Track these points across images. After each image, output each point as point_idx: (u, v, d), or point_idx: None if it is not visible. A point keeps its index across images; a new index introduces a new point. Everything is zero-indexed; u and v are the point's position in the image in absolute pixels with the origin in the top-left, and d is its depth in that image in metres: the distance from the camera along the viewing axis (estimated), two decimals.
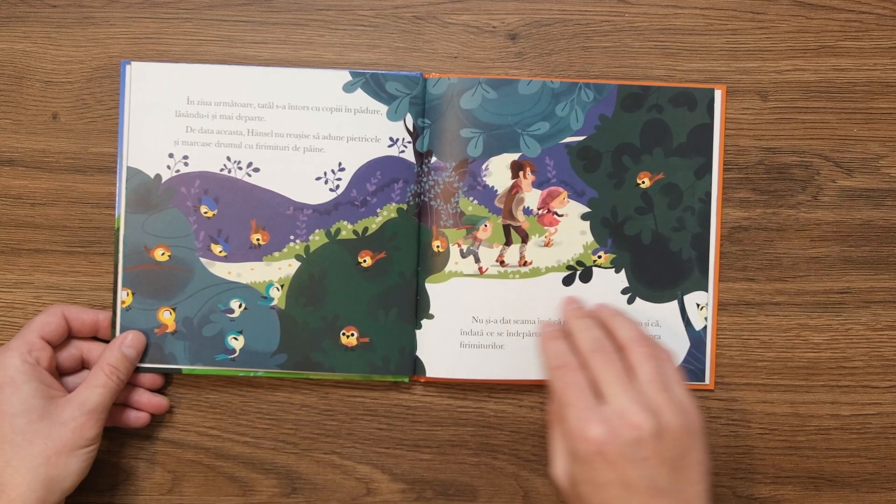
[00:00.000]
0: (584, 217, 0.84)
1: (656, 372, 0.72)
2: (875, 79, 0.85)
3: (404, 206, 0.84)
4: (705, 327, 0.84)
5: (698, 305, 0.84)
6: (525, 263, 0.84)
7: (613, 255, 0.84)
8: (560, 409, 0.73)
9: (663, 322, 0.84)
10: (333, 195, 0.84)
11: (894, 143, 0.85)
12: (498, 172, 0.84)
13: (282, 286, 0.84)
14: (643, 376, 0.72)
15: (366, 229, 0.84)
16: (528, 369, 0.84)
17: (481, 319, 0.84)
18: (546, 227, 0.84)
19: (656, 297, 0.84)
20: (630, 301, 0.84)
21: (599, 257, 0.84)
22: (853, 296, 0.85)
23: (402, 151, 0.84)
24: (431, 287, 0.84)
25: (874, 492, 0.85)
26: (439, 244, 0.84)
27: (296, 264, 0.84)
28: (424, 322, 0.84)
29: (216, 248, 0.83)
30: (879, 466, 0.85)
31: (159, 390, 0.84)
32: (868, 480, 0.85)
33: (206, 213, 0.83)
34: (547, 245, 0.84)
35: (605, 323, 0.78)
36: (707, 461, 0.71)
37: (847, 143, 0.85)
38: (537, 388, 0.85)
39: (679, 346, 0.84)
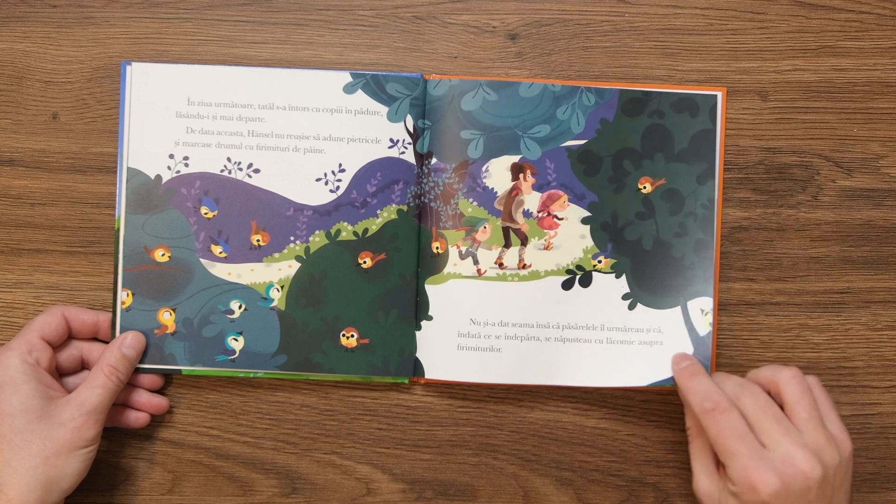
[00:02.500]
0: (584, 221, 0.84)
1: (812, 407, 0.73)
2: (875, 79, 0.85)
3: (404, 208, 0.84)
4: (709, 332, 0.84)
5: (702, 311, 0.84)
6: (524, 266, 0.84)
7: (614, 260, 0.84)
8: (724, 457, 0.73)
9: (665, 328, 0.84)
10: (334, 196, 0.84)
11: (894, 143, 0.85)
12: (498, 174, 0.84)
13: (282, 287, 0.84)
14: (800, 414, 0.73)
15: (366, 230, 0.84)
16: (525, 373, 0.84)
17: (479, 322, 0.84)
18: (545, 231, 0.84)
19: (658, 302, 0.84)
20: (631, 307, 0.84)
21: (599, 262, 0.84)
22: (853, 296, 0.85)
23: (403, 153, 0.83)
24: (431, 288, 0.84)
25: (874, 492, 0.85)
26: (438, 245, 0.84)
27: (296, 265, 0.84)
28: (424, 323, 0.84)
29: (216, 249, 0.83)
30: (879, 466, 0.85)
31: (159, 391, 0.84)
32: (868, 480, 0.85)
33: (206, 213, 0.83)
34: (546, 248, 0.84)
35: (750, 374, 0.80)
36: (850, 484, 0.74)
37: (847, 143, 0.85)
38: (536, 391, 0.85)
39: (682, 351, 0.84)
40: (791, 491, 0.69)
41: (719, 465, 0.76)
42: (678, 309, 0.84)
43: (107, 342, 0.82)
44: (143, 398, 0.83)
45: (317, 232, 0.84)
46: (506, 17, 0.85)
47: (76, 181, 0.84)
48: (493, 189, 0.84)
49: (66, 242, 0.84)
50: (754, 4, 0.85)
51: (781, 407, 0.74)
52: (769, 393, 0.76)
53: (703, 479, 0.77)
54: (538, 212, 0.84)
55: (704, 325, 0.84)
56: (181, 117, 0.83)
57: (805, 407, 0.73)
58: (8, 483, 0.73)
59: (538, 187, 0.84)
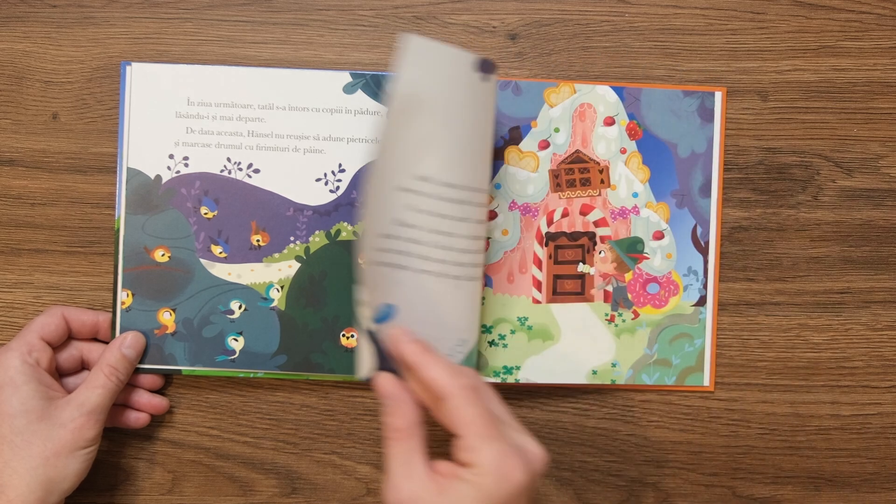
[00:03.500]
0: None
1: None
2: (875, 79, 0.85)
3: None
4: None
5: None
6: None
7: None
8: (475, 438, 0.66)
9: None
10: (334, 196, 0.84)
11: (894, 143, 0.85)
12: None
13: (282, 287, 0.84)
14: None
15: None
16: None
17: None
18: None
19: None
20: None
21: None
22: (853, 296, 0.85)
23: None
24: None
25: (874, 492, 0.86)
26: None
27: (296, 265, 0.84)
28: None
29: (216, 250, 0.83)
30: (879, 466, 0.85)
31: (159, 391, 0.84)
32: (868, 480, 0.86)
33: (206, 214, 0.83)
34: None
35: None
36: None
37: (847, 143, 0.85)
38: (536, 391, 0.85)
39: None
40: (535, 482, 0.66)
41: (429, 465, 0.68)
42: None
43: (107, 342, 0.82)
44: (143, 398, 0.83)
45: (317, 232, 0.84)
46: (506, 17, 0.85)
47: (76, 181, 0.84)
48: None
49: (66, 242, 0.84)
50: (754, 4, 0.85)
51: None
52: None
53: (412, 485, 0.66)
54: None
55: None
56: (181, 118, 0.83)
57: (500, 404, 0.70)
58: (8, 484, 0.73)
59: None
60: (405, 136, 0.73)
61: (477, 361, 0.83)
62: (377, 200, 0.73)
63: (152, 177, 0.83)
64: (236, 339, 0.83)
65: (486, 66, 0.75)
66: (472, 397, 0.67)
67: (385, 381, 0.71)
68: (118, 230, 0.83)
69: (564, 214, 0.84)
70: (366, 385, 0.85)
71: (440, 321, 0.77)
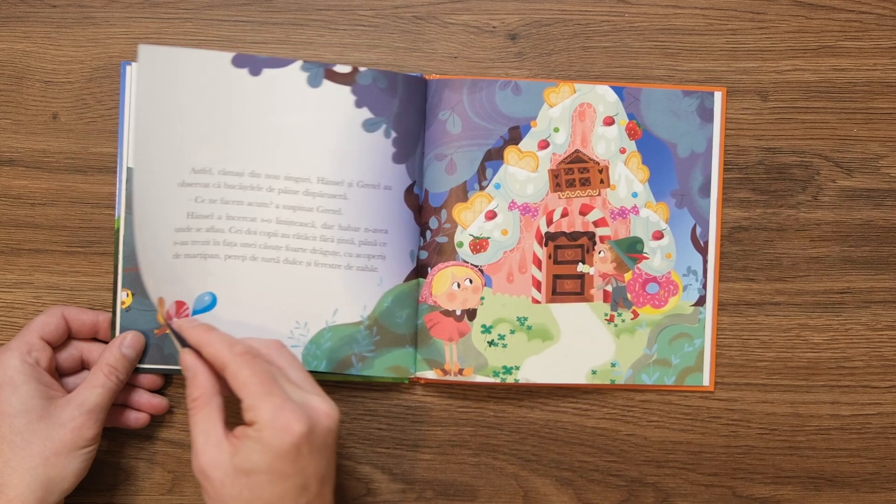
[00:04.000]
0: None
1: (305, 371, 0.76)
2: (875, 79, 0.85)
3: None
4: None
5: None
6: None
7: None
8: (253, 397, 0.70)
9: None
10: None
11: (894, 143, 0.85)
12: None
13: None
14: (295, 375, 0.75)
15: None
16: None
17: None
18: None
19: None
20: None
21: None
22: (853, 296, 0.85)
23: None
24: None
25: (874, 492, 0.85)
26: None
27: None
28: None
29: None
30: (879, 466, 0.85)
31: (159, 391, 0.84)
32: (868, 480, 0.86)
33: None
34: None
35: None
36: None
37: (847, 143, 0.85)
38: (536, 391, 0.85)
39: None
40: (317, 433, 0.69)
41: (227, 430, 0.71)
42: None
43: (106, 342, 0.82)
44: (143, 398, 0.83)
45: None
46: (506, 17, 0.85)
47: (76, 181, 0.84)
48: None
49: (66, 242, 0.84)
50: (754, 4, 0.85)
51: None
52: None
53: (211, 449, 0.70)
54: None
55: None
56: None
57: (299, 370, 0.74)
58: (8, 483, 0.73)
59: None
60: (168, 136, 0.80)
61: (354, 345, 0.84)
62: (161, 198, 0.80)
63: None
64: None
65: (246, 62, 0.81)
66: (248, 361, 0.71)
67: (185, 356, 0.75)
68: (118, 230, 0.83)
69: (564, 214, 0.84)
70: (366, 385, 0.85)
71: (267, 305, 0.82)
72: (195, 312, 0.81)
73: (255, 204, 0.81)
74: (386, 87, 0.82)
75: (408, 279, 0.84)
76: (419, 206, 0.84)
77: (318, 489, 0.70)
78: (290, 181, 0.82)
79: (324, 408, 0.71)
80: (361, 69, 0.82)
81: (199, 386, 0.73)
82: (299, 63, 0.81)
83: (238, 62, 0.81)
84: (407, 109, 0.83)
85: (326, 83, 0.82)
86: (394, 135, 0.82)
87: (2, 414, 0.74)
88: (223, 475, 0.69)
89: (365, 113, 0.82)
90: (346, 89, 0.82)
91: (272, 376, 0.71)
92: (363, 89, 0.82)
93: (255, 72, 0.81)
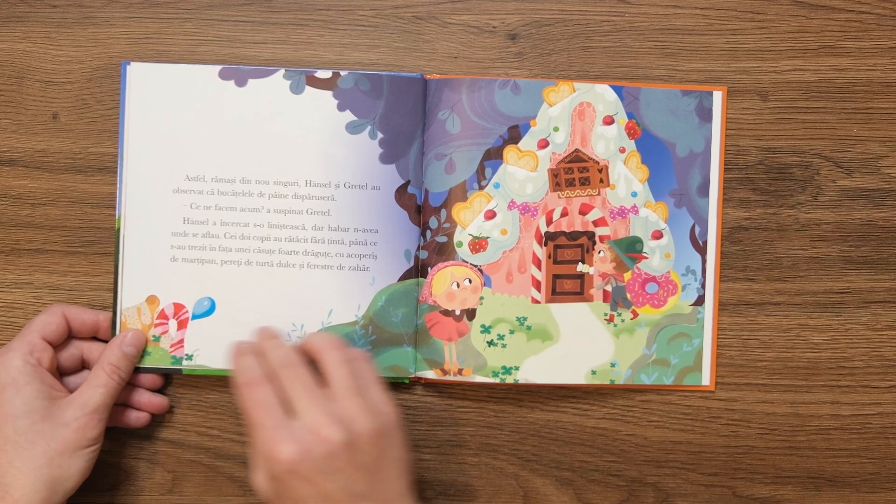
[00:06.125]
0: None
1: (349, 376, 0.72)
2: (875, 79, 0.85)
3: None
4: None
5: None
6: None
7: None
8: (252, 430, 0.71)
9: None
10: None
11: (894, 143, 0.85)
12: None
13: None
14: (336, 383, 0.71)
15: None
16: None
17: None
18: None
19: None
20: None
21: None
22: (853, 296, 0.85)
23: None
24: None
25: (874, 492, 0.85)
26: None
27: None
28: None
29: None
30: (879, 466, 0.85)
31: (159, 390, 0.84)
32: (868, 480, 0.85)
33: None
34: None
35: (300, 343, 0.76)
36: (405, 457, 0.71)
37: (847, 143, 0.85)
38: (536, 391, 0.85)
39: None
40: (312, 457, 0.67)
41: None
42: None
43: (107, 342, 0.82)
44: (144, 398, 0.83)
45: None
46: (506, 17, 0.85)
47: (76, 181, 0.84)
48: None
49: (66, 242, 0.85)
50: (754, 4, 0.85)
51: None
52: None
53: (260, 474, 0.71)
54: None
55: None
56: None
57: (340, 377, 0.71)
58: (13, 484, 0.73)
59: None
60: (162, 145, 0.83)
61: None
62: (156, 203, 0.83)
63: None
64: None
65: (231, 74, 0.83)
66: (243, 393, 0.73)
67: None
68: (118, 230, 0.83)
69: (563, 214, 0.84)
70: None
71: (264, 309, 0.83)
72: (195, 317, 0.82)
73: (248, 209, 0.83)
74: (369, 89, 0.83)
75: (403, 278, 0.84)
76: (416, 205, 0.84)
77: (347, 499, 0.68)
78: (280, 185, 0.83)
79: (323, 432, 0.68)
80: (343, 73, 0.83)
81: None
82: (282, 72, 0.83)
83: (224, 75, 0.83)
84: (395, 110, 0.83)
85: (309, 89, 0.83)
86: (380, 136, 0.83)
87: (5, 415, 0.75)
88: (268, 497, 0.71)
89: (348, 116, 0.83)
90: (328, 94, 0.83)
91: (267, 405, 0.70)
92: (345, 93, 0.83)
93: (241, 83, 0.83)
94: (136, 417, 0.83)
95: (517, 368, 0.84)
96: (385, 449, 0.70)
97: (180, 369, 0.83)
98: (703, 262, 0.85)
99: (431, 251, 0.84)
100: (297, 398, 0.70)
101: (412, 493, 0.71)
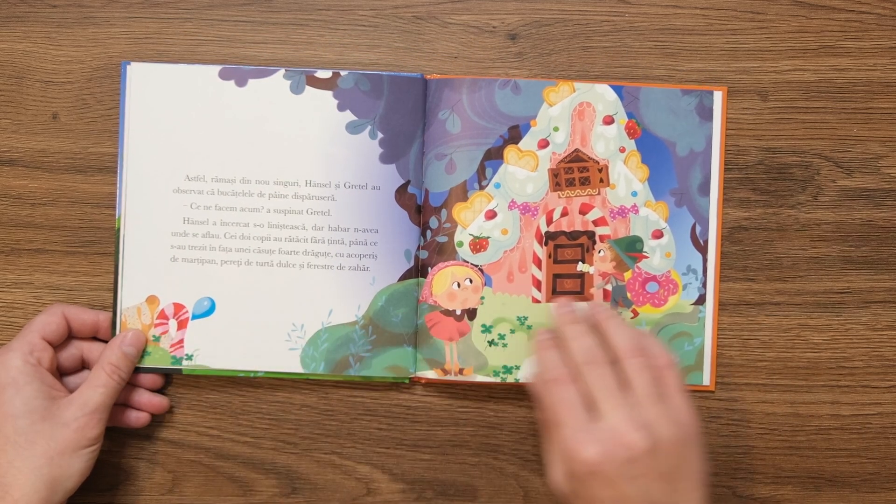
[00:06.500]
0: None
1: (651, 384, 0.72)
2: (875, 79, 0.85)
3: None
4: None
5: None
6: None
7: None
8: (553, 427, 0.72)
9: None
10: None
11: (894, 143, 0.85)
12: None
13: None
14: (638, 389, 0.71)
15: None
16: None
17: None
18: None
19: None
20: None
21: None
22: (853, 296, 0.85)
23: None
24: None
25: (874, 492, 0.85)
26: None
27: None
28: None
29: None
30: (879, 466, 0.85)
31: (159, 390, 0.84)
32: (868, 480, 0.85)
33: None
34: None
35: (599, 327, 0.76)
36: (703, 467, 0.71)
37: (847, 143, 0.85)
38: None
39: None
40: (614, 461, 0.68)
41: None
42: None
43: (106, 342, 0.82)
44: (144, 398, 0.83)
45: None
46: (506, 17, 0.85)
47: (76, 181, 0.84)
48: None
49: (66, 242, 0.85)
50: (754, 4, 0.85)
51: None
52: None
53: (558, 473, 0.73)
54: None
55: None
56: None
57: (643, 383, 0.72)
58: (13, 484, 0.73)
59: None
60: (162, 144, 0.83)
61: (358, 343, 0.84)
62: (157, 202, 0.83)
63: None
64: None
65: (231, 74, 0.83)
66: (548, 390, 0.74)
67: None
68: (118, 230, 0.83)
69: (564, 213, 0.84)
70: (365, 385, 0.85)
71: (264, 309, 0.83)
72: (195, 317, 0.82)
73: (248, 209, 0.83)
74: (369, 89, 0.83)
75: (403, 278, 0.84)
76: (417, 205, 0.84)
77: None
78: (280, 185, 0.83)
79: (627, 437, 0.69)
80: (343, 73, 0.83)
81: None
82: (282, 72, 0.83)
83: (224, 75, 0.83)
84: (395, 110, 0.83)
85: (309, 89, 0.83)
86: (380, 136, 0.83)
87: (5, 415, 0.75)
88: (565, 494, 0.73)
89: (348, 116, 0.83)
90: (328, 94, 0.83)
91: (571, 404, 0.72)
92: (345, 93, 0.83)
93: (241, 83, 0.83)
94: (136, 417, 0.83)
95: (518, 368, 0.84)
96: (685, 459, 0.70)
97: (180, 369, 0.83)
98: (704, 261, 0.85)
99: (432, 251, 0.84)
100: (601, 399, 0.71)
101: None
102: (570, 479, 0.70)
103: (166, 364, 0.83)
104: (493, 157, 0.84)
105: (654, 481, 0.68)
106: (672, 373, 0.74)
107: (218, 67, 0.83)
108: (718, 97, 0.85)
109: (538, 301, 0.84)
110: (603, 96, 0.84)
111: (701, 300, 0.85)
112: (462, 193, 0.84)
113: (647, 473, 0.68)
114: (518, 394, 0.85)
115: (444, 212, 0.84)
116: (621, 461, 0.68)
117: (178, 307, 0.83)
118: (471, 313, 0.84)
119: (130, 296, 0.83)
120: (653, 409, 0.70)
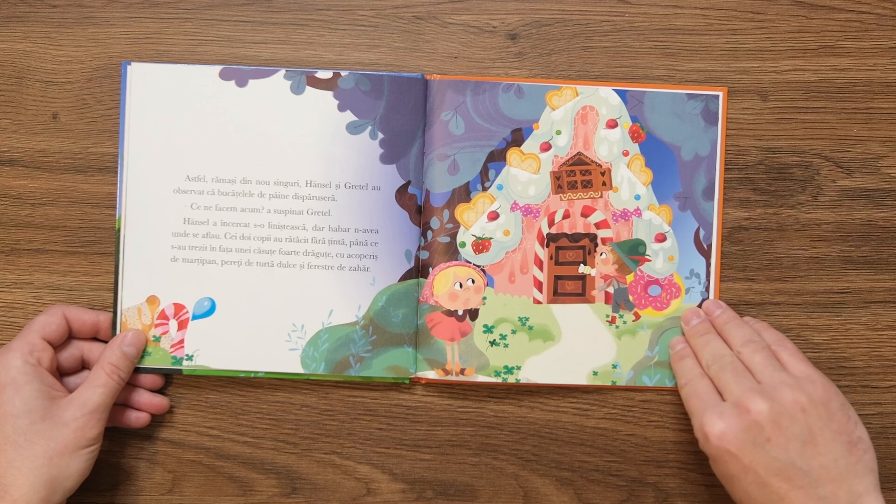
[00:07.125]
0: None
1: (767, 359, 0.75)
2: (875, 79, 0.86)
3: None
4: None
5: None
6: None
7: None
8: (692, 420, 0.77)
9: None
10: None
11: (894, 143, 0.85)
12: None
13: None
14: (755, 367, 0.75)
15: None
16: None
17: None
18: None
19: None
20: None
21: None
22: (853, 296, 0.86)
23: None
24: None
25: None
26: None
27: None
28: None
29: None
30: (879, 466, 0.85)
31: (159, 390, 0.84)
32: None
33: None
34: None
35: (721, 332, 0.81)
36: (855, 433, 0.73)
37: (847, 143, 0.85)
38: (536, 391, 0.85)
39: None
40: (738, 429, 0.71)
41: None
42: None
43: (106, 342, 0.82)
44: (144, 398, 0.83)
45: None
46: (506, 17, 0.85)
47: (76, 181, 0.84)
48: None
49: (66, 242, 0.84)
50: (754, 4, 0.85)
51: None
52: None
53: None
54: None
55: None
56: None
57: (759, 361, 0.76)
58: (12, 484, 0.73)
59: None
60: (162, 144, 0.83)
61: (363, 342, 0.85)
62: (157, 202, 0.83)
63: None
64: None
65: (232, 74, 0.83)
66: (684, 392, 0.79)
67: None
68: (118, 230, 0.83)
69: (565, 216, 0.84)
70: (365, 385, 0.85)
71: (264, 309, 0.83)
72: (195, 317, 0.82)
73: (248, 209, 0.83)
74: (369, 89, 0.83)
75: (404, 278, 0.84)
76: (417, 206, 0.84)
77: (780, 472, 0.71)
78: (280, 185, 0.83)
79: (748, 404, 0.72)
80: (343, 73, 0.83)
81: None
82: (282, 72, 0.83)
83: (225, 75, 0.83)
84: (396, 110, 0.83)
85: (309, 90, 0.83)
86: (381, 136, 0.83)
87: (5, 414, 0.75)
88: None
89: (348, 116, 0.83)
90: (329, 94, 0.83)
91: (699, 394, 0.76)
92: (345, 93, 0.83)
93: (242, 83, 0.83)
94: (136, 417, 0.83)
95: (519, 368, 0.84)
96: (819, 419, 0.72)
97: (180, 369, 0.83)
98: (708, 265, 0.85)
99: (432, 251, 0.84)
100: (723, 380, 0.75)
101: (873, 476, 0.73)
102: (714, 464, 0.74)
103: (166, 364, 0.83)
104: (496, 159, 0.84)
105: (784, 445, 0.71)
106: (784, 346, 0.78)
107: (218, 68, 0.83)
108: (719, 97, 0.84)
109: (539, 302, 0.84)
110: (606, 100, 0.84)
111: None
112: (465, 194, 0.84)
113: (774, 437, 0.71)
114: (518, 394, 0.85)
115: (446, 212, 0.84)
116: (743, 428, 0.71)
117: (179, 307, 0.83)
118: (473, 313, 0.84)
119: (131, 296, 0.83)
120: (772, 376, 0.74)
